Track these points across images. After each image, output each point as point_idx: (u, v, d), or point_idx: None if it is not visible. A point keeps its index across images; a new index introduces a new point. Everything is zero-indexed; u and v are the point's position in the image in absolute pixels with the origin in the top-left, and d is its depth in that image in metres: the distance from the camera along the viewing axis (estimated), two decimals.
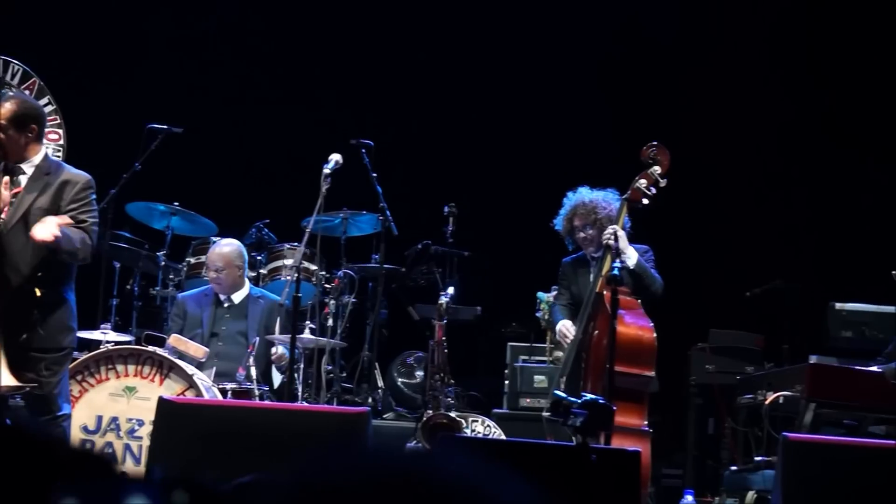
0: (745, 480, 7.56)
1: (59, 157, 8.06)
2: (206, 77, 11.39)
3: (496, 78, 11.56)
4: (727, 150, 11.06)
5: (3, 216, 6.66)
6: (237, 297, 8.99)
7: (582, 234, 7.63)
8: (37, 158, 6.79)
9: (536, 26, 11.64)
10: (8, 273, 6.63)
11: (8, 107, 6.72)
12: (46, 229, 6.52)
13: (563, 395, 6.18)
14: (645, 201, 7.25)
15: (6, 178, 6.68)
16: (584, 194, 7.68)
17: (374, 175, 9.52)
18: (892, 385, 6.87)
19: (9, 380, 6.55)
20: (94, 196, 6.88)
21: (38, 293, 6.64)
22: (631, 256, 7.31)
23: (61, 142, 8.22)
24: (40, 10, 10.99)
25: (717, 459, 9.17)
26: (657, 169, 7.25)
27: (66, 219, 6.61)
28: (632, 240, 7.43)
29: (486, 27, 11.56)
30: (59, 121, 8.26)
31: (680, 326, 7.90)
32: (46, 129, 8.09)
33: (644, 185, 7.23)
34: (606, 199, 7.57)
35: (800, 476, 5.97)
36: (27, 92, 8.29)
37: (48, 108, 8.30)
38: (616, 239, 7.17)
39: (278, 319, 8.71)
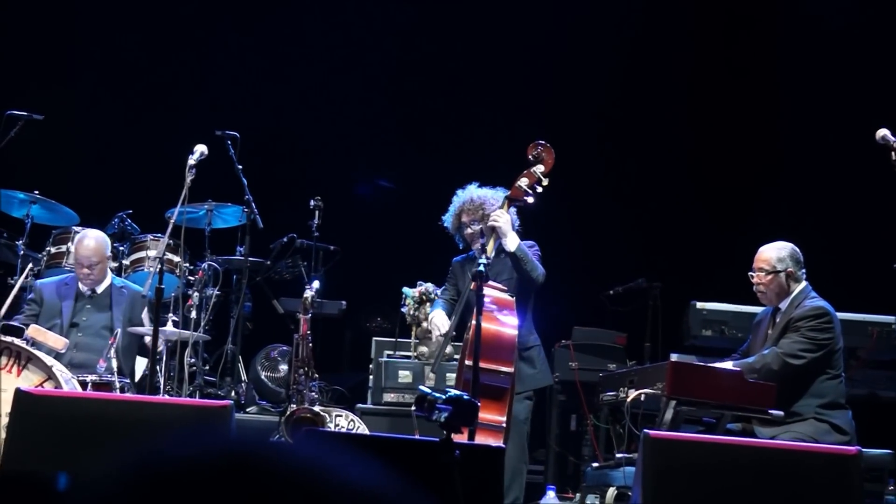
0: (607, 477, 7.64)
1: None
2: (69, 62, 11.20)
3: (369, 70, 11.54)
4: (593, 147, 11.18)
5: None
6: (99, 288, 8.84)
7: (469, 230, 7.68)
8: None
9: (427, 16, 11.65)
10: None
11: None
12: None
13: (427, 390, 6.19)
14: (529, 199, 7.28)
15: None
16: (472, 191, 7.74)
17: (240, 167, 9.45)
18: (748, 383, 6.98)
19: None
20: None
21: None
22: (511, 241, 7.35)
23: None
24: None
25: (579, 456, 9.26)
26: (540, 168, 7.27)
27: None
28: (519, 237, 7.47)
29: (368, 22, 11.54)
30: None
31: (543, 324, 7.95)
32: None
33: (526, 184, 7.26)
34: (495, 196, 7.61)
35: (659, 472, 6.04)
36: None
37: None
38: (500, 222, 7.24)
39: (145, 311, 8.61)
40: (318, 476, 1.59)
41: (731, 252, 9.68)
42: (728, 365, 7.22)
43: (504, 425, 7.01)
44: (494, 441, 6.76)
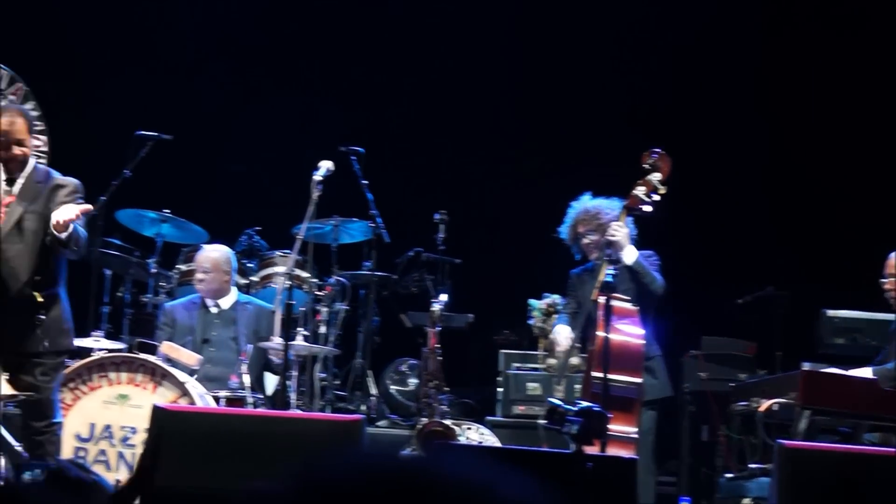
0: (741, 488, 7.55)
1: (43, 163, 8.03)
2: (197, 83, 11.36)
3: (488, 85, 11.55)
4: (719, 156, 11.07)
5: None
6: (225, 304, 8.99)
7: (586, 241, 7.65)
8: (28, 166, 6.84)
9: (531, 34, 11.64)
10: (6, 279, 6.66)
11: (20, 121, 6.79)
12: (69, 210, 6.58)
13: (558, 402, 6.17)
14: (646, 208, 7.21)
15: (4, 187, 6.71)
16: (587, 202, 7.70)
17: (365, 182, 9.52)
18: (885, 391, 6.86)
19: (4, 388, 6.54)
20: (81, 199, 6.94)
21: (39, 298, 6.67)
22: (629, 254, 7.31)
23: (44, 148, 8.17)
24: (27, 16, 10.95)
25: (712, 467, 9.15)
26: (657, 175, 7.21)
27: (85, 206, 6.66)
28: (636, 247, 7.43)
29: (481, 34, 11.55)
30: (42, 127, 8.21)
31: (672, 334, 7.89)
32: (37, 132, 8.12)
33: (643, 192, 7.20)
34: (610, 205, 7.58)
35: (795, 483, 5.95)
36: (13, 97, 8.26)
37: (33, 114, 8.25)
38: (619, 235, 7.20)
39: (273, 325, 8.70)
40: (454, 489, 1.59)
41: (861, 259, 9.53)
42: (865, 373, 7.11)
43: (635, 436, 6.97)
44: (626, 452, 6.73)
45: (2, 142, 6.80)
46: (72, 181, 6.94)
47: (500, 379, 9.53)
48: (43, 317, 6.72)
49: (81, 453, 7.64)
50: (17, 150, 6.79)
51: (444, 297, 8.37)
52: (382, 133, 11.02)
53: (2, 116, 6.85)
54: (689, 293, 10.05)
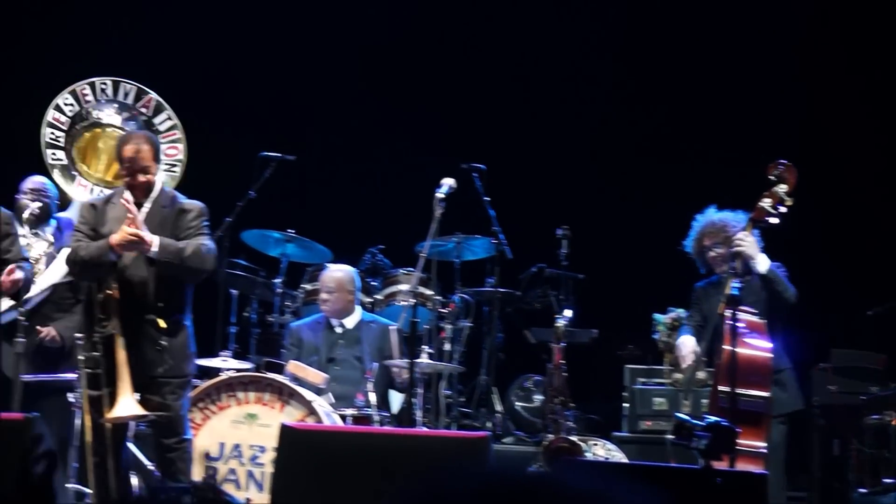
0: (876, 503, 7.42)
1: (176, 172, 8.15)
2: (319, 103, 11.45)
3: (609, 99, 11.51)
4: (847, 165, 10.91)
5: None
6: (349, 323, 9.05)
7: (712, 253, 7.57)
8: (154, 191, 6.94)
9: (645, 46, 11.58)
10: (133, 305, 6.77)
11: (146, 148, 6.89)
12: (120, 234, 6.71)
13: (685, 417, 6.12)
14: (773, 220, 7.11)
15: (130, 215, 6.80)
16: (713, 214, 7.63)
17: (487, 199, 9.53)
18: None
19: (135, 409, 6.64)
20: (206, 223, 7.05)
21: (163, 323, 6.76)
22: (762, 262, 7.21)
23: (180, 156, 8.21)
24: (158, 32, 11.14)
25: (844, 481, 9.00)
26: (783, 187, 7.10)
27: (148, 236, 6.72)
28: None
29: (593, 49, 11.51)
30: (178, 136, 8.28)
31: (801, 347, 7.78)
32: (166, 145, 8.22)
33: (769, 205, 7.09)
34: (735, 218, 7.50)
35: None
36: (144, 109, 8.36)
37: (167, 124, 8.31)
38: (745, 245, 7.10)
39: (395, 343, 8.75)
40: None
41: None
42: None
43: (765, 451, 6.88)
44: (756, 467, 6.64)
45: (127, 168, 6.91)
46: (197, 205, 7.04)
47: (625, 394, 9.47)
48: (165, 343, 6.81)
49: (211, 472, 7.73)
50: (141, 178, 6.90)
51: (568, 313, 8.34)
52: (504, 149, 11.01)
53: (128, 143, 6.96)
54: (818, 305, 9.92)
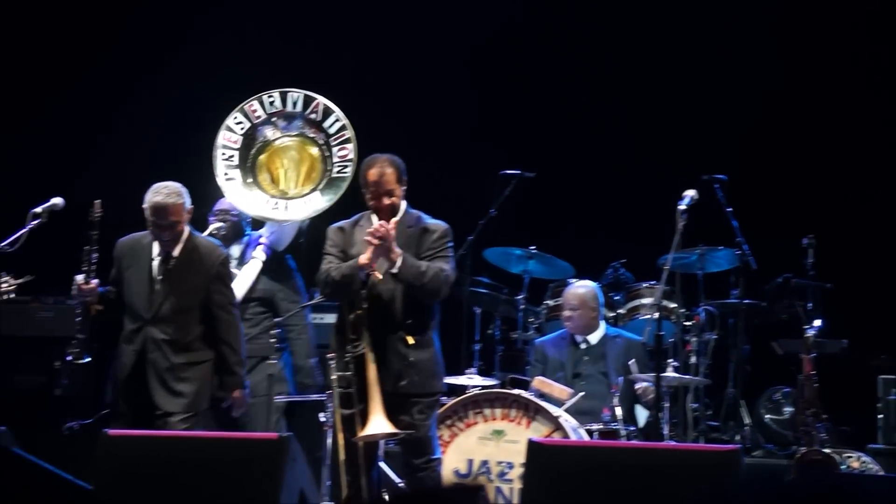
0: None
1: (347, 172, 8.26)
2: (556, 119, 11.45)
3: (848, 103, 11.22)
4: None
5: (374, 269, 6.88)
6: (593, 338, 9.04)
7: None
8: (400, 212, 7.03)
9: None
10: (381, 322, 6.88)
11: (389, 171, 6.98)
12: (370, 231, 6.84)
13: None
14: None
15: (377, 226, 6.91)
16: None
17: (729, 209, 9.41)
18: None
19: (386, 427, 6.74)
20: (450, 244, 7.09)
21: (411, 340, 6.85)
22: None
23: (350, 156, 8.31)
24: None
25: None
26: None
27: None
28: None
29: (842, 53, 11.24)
30: (348, 135, 8.37)
31: None
32: (337, 146, 8.34)
33: None
34: None
35: None
36: (313, 115, 8.47)
37: (336, 126, 8.41)
38: None
39: (642, 357, 8.70)
40: None
41: None
42: None
43: None
44: None
45: (372, 192, 7.01)
46: (441, 225, 7.10)
47: (879, 405, 9.22)
48: (413, 358, 6.90)
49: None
50: (386, 201, 6.98)
51: (818, 323, 8.17)
52: (746, 159, 10.83)
53: (372, 168, 7.04)
54: None
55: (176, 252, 7.33)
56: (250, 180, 8.42)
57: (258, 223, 8.50)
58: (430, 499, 2.99)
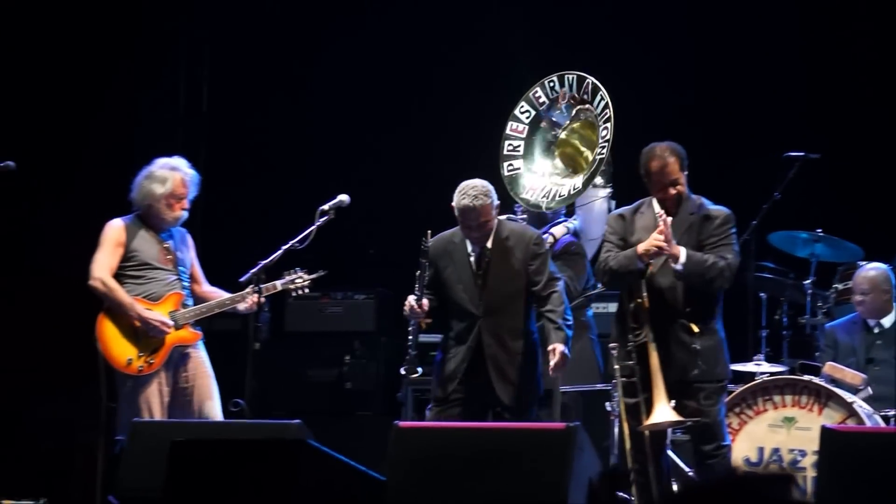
0: None
1: (603, 153, 8.09)
2: (843, 100, 11.12)
3: None
4: None
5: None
6: (887, 322, 8.86)
7: None
8: (683, 199, 6.96)
9: None
10: (663, 311, 6.84)
11: (672, 160, 6.91)
12: (648, 242, 6.79)
13: None
14: None
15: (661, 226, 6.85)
16: None
17: None
18: None
19: (671, 415, 6.70)
20: (734, 230, 7.00)
21: (695, 329, 6.79)
22: None
23: (608, 136, 8.12)
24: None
25: None
26: None
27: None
28: None
29: None
30: (609, 114, 8.17)
31: None
32: (602, 125, 8.14)
33: None
34: None
35: None
36: (585, 96, 8.33)
37: (601, 104, 8.24)
38: None
39: None
40: None
41: None
42: None
43: None
44: None
45: (656, 183, 6.94)
46: (723, 211, 7.01)
47: None
48: (698, 346, 6.82)
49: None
50: (672, 191, 6.91)
51: None
52: None
53: (653, 159, 6.96)
54: None
55: (489, 244, 7.31)
56: (540, 167, 8.41)
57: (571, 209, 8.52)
58: (737, 489, 2.93)
